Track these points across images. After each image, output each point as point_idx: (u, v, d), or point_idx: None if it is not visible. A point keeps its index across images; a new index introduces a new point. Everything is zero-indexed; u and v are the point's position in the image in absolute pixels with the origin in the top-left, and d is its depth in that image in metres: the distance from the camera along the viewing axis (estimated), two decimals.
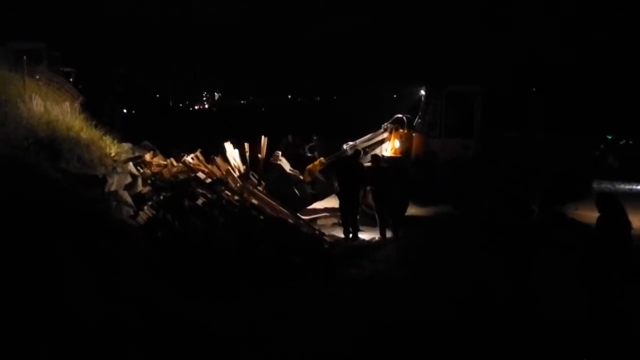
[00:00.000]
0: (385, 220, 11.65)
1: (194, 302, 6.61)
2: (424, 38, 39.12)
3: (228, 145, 13.20)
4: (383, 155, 13.30)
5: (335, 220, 13.07)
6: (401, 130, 13.84)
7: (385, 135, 13.90)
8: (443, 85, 13.49)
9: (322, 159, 14.09)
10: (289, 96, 49.89)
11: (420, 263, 9.88)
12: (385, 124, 14.09)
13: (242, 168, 13.07)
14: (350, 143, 13.92)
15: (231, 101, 54.75)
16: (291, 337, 6.36)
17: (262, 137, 14.34)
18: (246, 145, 13.64)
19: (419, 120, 14.04)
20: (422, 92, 14.17)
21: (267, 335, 6.28)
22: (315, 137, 18.85)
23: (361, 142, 13.91)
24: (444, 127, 13.33)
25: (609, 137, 27.17)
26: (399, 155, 13.59)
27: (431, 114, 13.59)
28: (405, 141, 13.71)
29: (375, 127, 14.31)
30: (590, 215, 13.55)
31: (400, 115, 14.11)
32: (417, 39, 40.20)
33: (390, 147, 13.77)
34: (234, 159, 13.18)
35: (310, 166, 13.80)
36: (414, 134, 13.82)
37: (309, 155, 16.69)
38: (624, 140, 27.71)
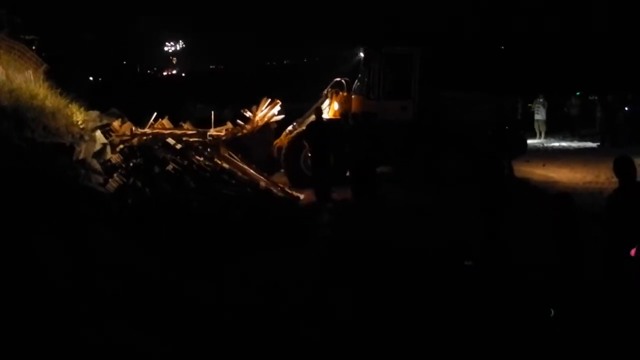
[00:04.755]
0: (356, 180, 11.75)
1: (169, 267, 6.65)
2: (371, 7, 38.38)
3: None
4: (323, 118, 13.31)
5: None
6: (341, 94, 13.87)
7: (327, 101, 13.92)
8: (381, 47, 13.46)
9: (287, 131, 14.02)
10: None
11: (397, 222, 9.98)
12: (326, 89, 14.09)
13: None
14: (299, 119, 13.87)
15: (200, 66, 53.86)
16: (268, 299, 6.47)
17: (264, 98, 14.29)
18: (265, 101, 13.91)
19: (358, 83, 14.07)
20: (361, 55, 14.17)
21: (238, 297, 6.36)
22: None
23: (308, 115, 13.89)
24: (382, 88, 13.37)
25: (577, 94, 27.42)
26: (338, 117, 13.61)
27: (370, 75, 13.61)
28: (345, 103, 13.73)
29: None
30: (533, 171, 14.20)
31: (339, 79, 14.12)
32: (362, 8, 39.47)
33: (329, 110, 13.79)
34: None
35: (277, 141, 13.74)
36: (353, 97, 13.86)
37: None
38: (594, 97, 27.99)
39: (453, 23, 31.09)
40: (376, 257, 8.02)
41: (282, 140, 13.66)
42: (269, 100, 14.16)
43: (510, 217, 8.25)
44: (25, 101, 8.95)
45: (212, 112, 14.35)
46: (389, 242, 8.72)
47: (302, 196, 11.71)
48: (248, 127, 13.71)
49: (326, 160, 11.61)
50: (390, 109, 13.07)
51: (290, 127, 13.85)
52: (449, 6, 31.73)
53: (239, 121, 14.29)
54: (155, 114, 13.40)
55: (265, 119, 13.87)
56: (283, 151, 13.02)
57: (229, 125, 14.28)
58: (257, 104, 14.14)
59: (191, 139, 12.07)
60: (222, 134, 13.44)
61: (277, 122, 14.15)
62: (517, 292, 6.66)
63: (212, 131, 13.41)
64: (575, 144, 20.02)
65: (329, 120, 13.31)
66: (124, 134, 11.50)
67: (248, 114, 14.06)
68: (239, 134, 13.47)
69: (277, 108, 14.22)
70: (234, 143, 12.77)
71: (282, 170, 13.37)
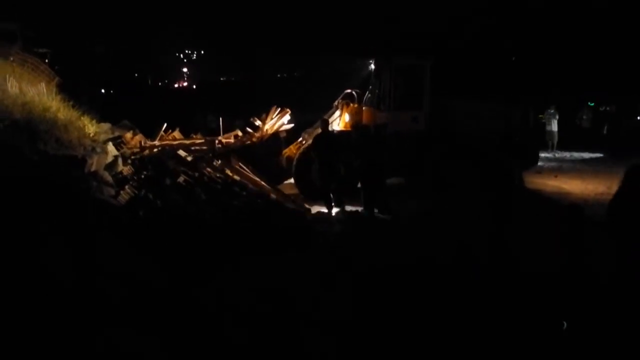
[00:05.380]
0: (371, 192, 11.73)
1: (178, 276, 6.66)
2: (373, 10, 38.22)
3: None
4: (333, 130, 13.34)
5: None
6: (352, 105, 13.86)
7: (338, 112, 13.92)
8: (391, 58, 13.48)
9: (297, 142, 14.03)
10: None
11: (404, 232, 9.97)
12: (336, 100, 14.09)
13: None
14: (309, 130, 13.89)
15: (211, 78, 54.16)
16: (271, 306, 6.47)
17: (274, 107, 14.33)
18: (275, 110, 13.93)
19: (369, 95, 14.06)
20: (372, 66, 14.18)
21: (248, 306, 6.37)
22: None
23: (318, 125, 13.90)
24: (393, 99, 13.37)
25: (591, 104, 27.31)
26: (349, 129, 13.60)
27: (380, 87, 13.59)
28: (356, 115, 13.72)
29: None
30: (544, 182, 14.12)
31: (349, 91, 14.11)
32: (366, 11, 39.35)
33: (340, 122, 13.79)
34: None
35: (287, 150, 13.74)
36: (364, 108, 13.85)
37: None
38: (604, 107, 27.88)
39: (463, 30, 30.92)
40: (378, 263, 8.09)
41: (292, 150, 13.67)
42: (279, 109, 14.21)
43: (516, 224, 8.27)
44: (38, 114, 9.02)
45: (221, 119, 14.41)
46: (393, 248, 8.82)
47: (312, 208, 11.72)
48: (257, 135, 13.75)
49: (335, 171, 11.61)
50: (402, 120, 13.06)
51: (300, 138, 13.87)
52: (459, 11, 31.54)
53: (248, 129, 14.32)
54: (165, 125, 13.47)
55: (275, 128, 13.90)
56: (294, 163, 13.02)
57: (238, 132, 14.31)
58: (267, 112, 14.20)
59: (200, 148, 12.11)
60: (232, 141, 13.48)
61: (286, 131, 14.17)
62: (525, 300, 6.63)
63: (221, 139, 13.47)
64: (586, 155, 19.90)
65: (340, 132, 13.33)
66: (135, 146, 11.56)
67: (257, 122, 14.09)
68: (248, 142, 13.50)
69: (287, 117, 14.25)
70: (243, 152, 12.79)
71: (292, 180, 13.40)
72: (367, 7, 38.34)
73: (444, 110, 13.34)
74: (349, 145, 12.08)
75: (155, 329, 5.28)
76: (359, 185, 11.85)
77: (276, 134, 13.80)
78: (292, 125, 14.28)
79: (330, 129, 13.19)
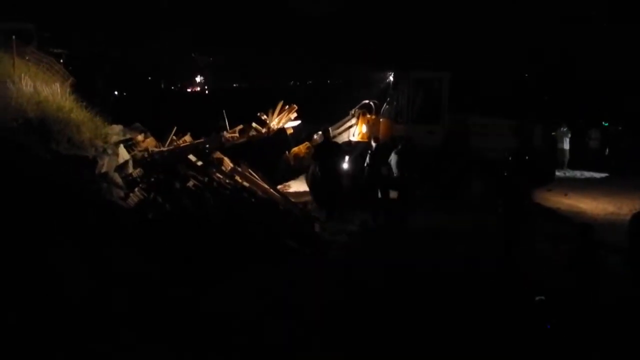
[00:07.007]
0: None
1: (184, 280, 6.65)
2: (393, 22, 38.10)
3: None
4: (350, 140, 13.34)
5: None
6: (369, 116, 13.84)
7: (354, 121, 13.89)
8: (410, 71, 13.47)
9: (308, 143, 14.05)
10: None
11: (412, 245, 9.93)
12: (353, 109, 14.08)
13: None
14: (320, 132, 13.89)
15: (223, 84, 54.29)
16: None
17: (280, 102, 14.35)
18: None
19: (387, 106, 14.04)
20: (391, 78, 14.17)
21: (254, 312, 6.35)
22: None
23: (332, 129, 13.89)
24: (410, 112, 13.34)
25: (605, 124, 27.13)
26: (366, 140, 13.57)
27: (398, 99, 13.57)
28: (373, 126, 13.69)
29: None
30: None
31: (367, 101, 14.10)
32: (386, 23, 39.24)
33: (357, 132, 13.77)
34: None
35: (296, 149, 13.74)
36: (381, 120, 13.83)
37: None
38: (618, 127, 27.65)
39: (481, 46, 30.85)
40: (382, 271, 8.13)
41: (301, 149, 13.67)
42: (287, 105, 14.23)
43: (526, 240, 8.28)
44: (52, 113, 9.06)
45: (224, 112, 14.40)
46: (399, 258, 8.84)
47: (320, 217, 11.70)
48: (264, 130, 13.76)
49: (333, 178, 11.62)
50: (418, 134, 13.03)
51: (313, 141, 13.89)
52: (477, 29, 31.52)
53: (254, 124, 14.29)
54: (175, 128, 13.50)
55: (281, 123, 13.91)
56: (310, 171, 13.02)
57: (242, 126, 14.32)
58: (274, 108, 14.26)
59: (209, 144, 12.14)
60: (237, 136, 13.49)
61: (294, 127, 14.16)
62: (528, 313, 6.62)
63: (226, 134, 13.49)
64: (597, 175, 19.77)
65: (357, 142, 13.32)
66: (146, 149, 11.61)
67: (264, 117, 14.09)
68: (255, 135, 13.52)
69: (294, 114, 14.27)
70: (250, 146, 12.77)
71: (299, 182, 13.44)
72: (388, 19, 38.33)
73: (461, 124, 13.28)
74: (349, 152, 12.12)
75: (161, 333, 5.26)
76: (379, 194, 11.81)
77: (283, 129, 13.80)
78: (299, 122, 14.26)
79: (348, 138, 13.27)
